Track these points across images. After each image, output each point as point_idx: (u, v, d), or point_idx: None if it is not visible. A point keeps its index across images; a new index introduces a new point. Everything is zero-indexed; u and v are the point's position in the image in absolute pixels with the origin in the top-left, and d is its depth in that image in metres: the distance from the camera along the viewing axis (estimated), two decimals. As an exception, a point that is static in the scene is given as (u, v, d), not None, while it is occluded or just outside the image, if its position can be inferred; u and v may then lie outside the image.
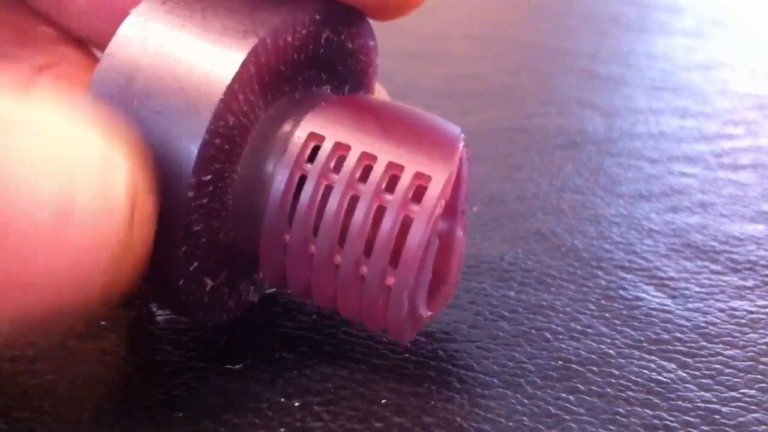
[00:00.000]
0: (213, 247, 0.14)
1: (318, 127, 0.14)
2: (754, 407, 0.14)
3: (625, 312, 0.17)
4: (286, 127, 0.14)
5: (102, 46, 0.15)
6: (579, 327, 0.16)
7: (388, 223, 0.13)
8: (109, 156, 0.12)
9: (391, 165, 0.13)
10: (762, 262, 0.19)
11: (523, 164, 0.24)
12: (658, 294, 0.18)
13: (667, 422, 0.14)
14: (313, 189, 0.13)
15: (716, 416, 0.14)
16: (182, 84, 0.13)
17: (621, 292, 0.18)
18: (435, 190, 0.13)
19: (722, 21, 0.41)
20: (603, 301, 0.17)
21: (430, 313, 0.15)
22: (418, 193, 0.13)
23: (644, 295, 0.18)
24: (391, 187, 0.13)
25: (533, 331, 0.16)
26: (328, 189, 0.13)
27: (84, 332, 0.16)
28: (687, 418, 0.14)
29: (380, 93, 0.17)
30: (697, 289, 0.18)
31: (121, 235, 0.12)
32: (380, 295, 0.14)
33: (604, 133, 0.27)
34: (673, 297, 0.17)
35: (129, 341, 0.16)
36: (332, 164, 0.13)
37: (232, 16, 0.13)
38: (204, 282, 0.14)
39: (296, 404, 0.14)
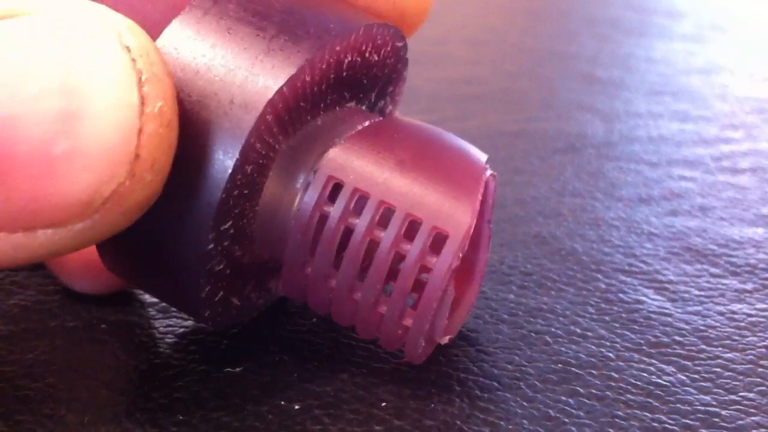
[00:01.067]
0: (237, 272, 0.14)
1: (338, 171, 0.14)
2: (753, 410, 0.14)
3: (624, 315, 0.17)
4: (307, 162, 0.14)
5: None
6: (578, 330, 0.16)
7: (405, 270, 0.13)
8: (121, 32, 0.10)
9: (409, 215, 0.13)
10: (761, 266, 0.19)
11: (523, 168, 0.24)
12: (658, 297, 0.18)
13: (667, 425, 0.14)
14: (332, 231, 0.14)
15: (715, 419, 0.14)
16: (201, 125, 0.12)
17: (620, 295, 0.18)
18: (452, 245, 0.13)
19: (722, 25, 0.42)
20: (602, 305, 0.17)
21: (447, 339, 0.15)
22: (436, 242, 0.13)
23: (644, 299, 0.18)
24: (410, 232, 0.13)
25: (533, 334, 0.16)
26: (348, 232, 0.14)
27: (84, 335, 0.16)
28: (686, 421, 0.14)
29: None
30: (697, 292, 0.18)
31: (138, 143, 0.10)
32: (398, 329, 0.14)
33: (603, 137, 0.27)
34: (673, 300, 0.18)
35: (129, 344, 0.16)
36: (351, 207, 0.14)
37: (250, 56, 0.13)
38: (230, 302, 0.14)
39: (296, 407, 0.14)
